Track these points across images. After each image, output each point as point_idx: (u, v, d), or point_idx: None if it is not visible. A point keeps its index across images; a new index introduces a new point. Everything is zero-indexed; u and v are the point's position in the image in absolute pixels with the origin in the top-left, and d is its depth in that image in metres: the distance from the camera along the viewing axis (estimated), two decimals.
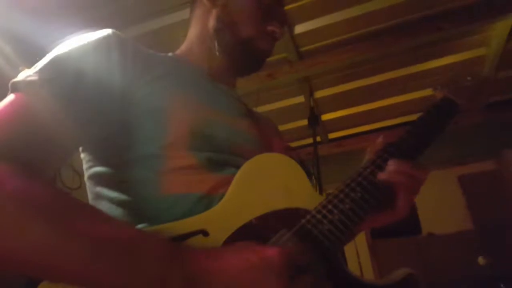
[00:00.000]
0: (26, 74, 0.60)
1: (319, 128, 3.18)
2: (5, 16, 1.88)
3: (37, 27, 1.87)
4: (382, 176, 0.69)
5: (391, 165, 0.70)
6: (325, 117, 3.48)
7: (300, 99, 3.18)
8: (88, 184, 0.72)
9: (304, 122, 2.98)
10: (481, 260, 2.54)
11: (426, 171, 0.70)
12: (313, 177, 0.77)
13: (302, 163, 0.74)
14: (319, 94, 3.14)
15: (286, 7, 0.96)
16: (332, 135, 3.86)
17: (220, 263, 0.49)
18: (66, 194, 0.51)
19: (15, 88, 0.58)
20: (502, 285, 2.15)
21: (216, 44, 0.84)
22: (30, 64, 0.63)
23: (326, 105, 3.30)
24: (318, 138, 2.89)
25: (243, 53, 0.85)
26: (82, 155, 0.74)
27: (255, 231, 0.60)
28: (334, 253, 0.60)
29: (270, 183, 0.68)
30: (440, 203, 3.33)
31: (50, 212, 0.47)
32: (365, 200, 0.66)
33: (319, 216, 0.63)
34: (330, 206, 0.65)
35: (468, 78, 0.99)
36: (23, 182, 0.48)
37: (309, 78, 2.89)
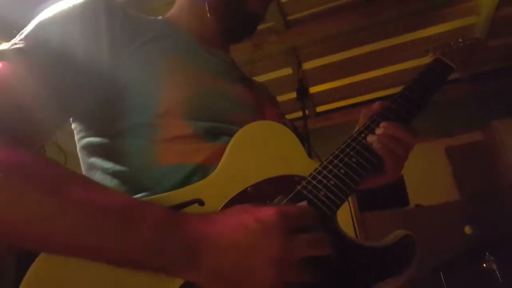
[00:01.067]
0: (12, 41, 0.59)
1: (307, 101, 3.15)
2: None
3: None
4: (370, 139, 0.69)
5: (380, 129, 0.69)
6: (313, 90, 3.44)
7: (287, 71, 3.13)
8: (80, 155, 0.70)
9: (292, 95, 2.94)
10: (467, 229, 2.59)
11: (415, 136, 0.70)
12: (306, 144, 0.75)
13: (295, 130, 0.72)
14: (306, 65, 3.10)
15: None
16: (319, 109, 3.84)
17: (217, 227, 0.48)
18: (58, 164, 0.50)
19: (1, 56, 0.57)
20: (487, 253, 2.19)
21: (206, 5, 0.80)
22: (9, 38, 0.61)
23: (313, 77, 3.26)
24: (306, 112, 2.88)
25: (234, 15, 0.81)
26: (74, 125, 0.72)
27: (251, 199, 0.59)
28: (331, 217, 0.59)
29: (264, 151, 0.66)
30: (427, 174, 3.37)
31: (43, 181, 0.46)
32: (360, 164, 0.66)
33: (314, 182, 0.62)
34: (325, 172, 0.64)
35: (460, 40, 0.98)
36: (14, 152, 0.48)
37: (296, 48, 2.83)
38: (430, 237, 2.55)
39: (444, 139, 3.40)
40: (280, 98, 3.35)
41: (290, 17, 2.56)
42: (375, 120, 0.73)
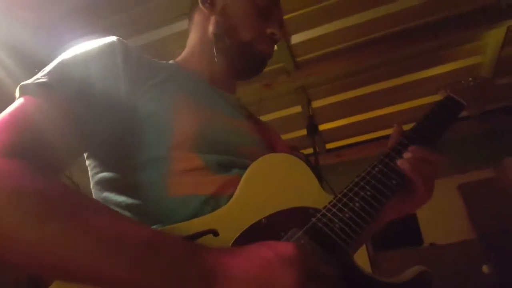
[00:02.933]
0: (35, 77, 0.61)
1: (317, 138, 3.17)
2: (8, 29, 1.88)
3: (39, 40, 1.88)
4: (399, 163, 0.71)
5: (406, 153, 0.72)
6: (322, 127, 3.47)
7: (297, 109, 3.19)
8: (94, 190, 0.72)
9: (301, 132, 2.96)
10: (485, 268, 2.50)
11: (439, 155, 0.72)
12: (324, 181, 0.76)
13: (309, 163, 0.73)
14: (316, 104, 3.15)
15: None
16: (329, 145, 3.85)
17: (236, 260, 0.48)
18: (81, 193, 0.51)
19: (25, 91, 0.60)
20: None
21: (214, 49, 0.84)
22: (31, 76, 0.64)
23: (323, 115, 3.30)
24: (317, 149, 2.92)
25: (243, 57, 0.85)
26: (88, 162, 0.73)
27: (265, 230, 0.59)
28: (346, 251, 0.58)
29: (278, 183, 0.67)
30: (440, 212, 3.30)
31: (65, 209, 0.46)
32: (375, 198, 0.66)
33: (329, 215, 0.62)
34: (339, 205, 0.64)
35: (470, 79, 1.00)
36: (41, 180, 0.49)
37: (306, 87, 2.90)
38: (446, 276, 2.46)
39: (456, 176, 3.35)
40: (290, 135, 3.44)
41: (299, 59, 2.64)
42: (388, 155, 0.73)
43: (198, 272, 0.46)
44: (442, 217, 3.31)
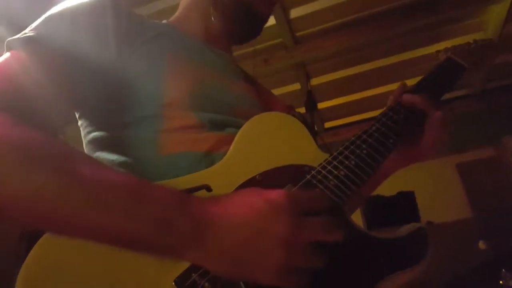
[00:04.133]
0: (22, 32, 0.60)
1: (315, 117, 3.15)
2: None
3: (32, 8, 1.84)
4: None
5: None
6: (321, 105, 3.44)
7: (296, 86, 3.15)
8: (86, 150, 0.71)
9: (300, 110, 2.94)
10: (481, 244, 2.52)
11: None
12: (317, 137, 0.75)
13: (305, 122, 0.72)
14: (314, 81, 3.11)
15: None
16: (328, 124, 3.83)
17: (227, 208, 0.47)
18: (67, 144, 0.49)
19: (11, 46, 0.59)
20: (503, 270, 2.12)
21: (212, 9, 0.81)
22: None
23: (322, 93, 3.27)
24: (315, 128, 2.90)
25: (241, 18, 0.82)
26: (80, 122, 0.72)
27: (260, 186, 0.57)
28: (340, 207, 0.58)
29: (273, 141, 0.66)
30: (438, 191, 3.31)
31: (52, 159, 0.45)
32: (371, 156, 0.65)
33: (324, 172, 0.61)
34: (335, 163, 0.63)
35: (471, 41, 0.99)
36: (25, 131, 0.48)
37: (305, 64, 2.86)
38: (443, 254, 2.48)
39: (455, 155, 3.35)
40: None
41: (298, 33, 2.60)
42: (386, 114, 0.72)
43: (189, 221, 0.45)
44: (440, 196, 3.32)
